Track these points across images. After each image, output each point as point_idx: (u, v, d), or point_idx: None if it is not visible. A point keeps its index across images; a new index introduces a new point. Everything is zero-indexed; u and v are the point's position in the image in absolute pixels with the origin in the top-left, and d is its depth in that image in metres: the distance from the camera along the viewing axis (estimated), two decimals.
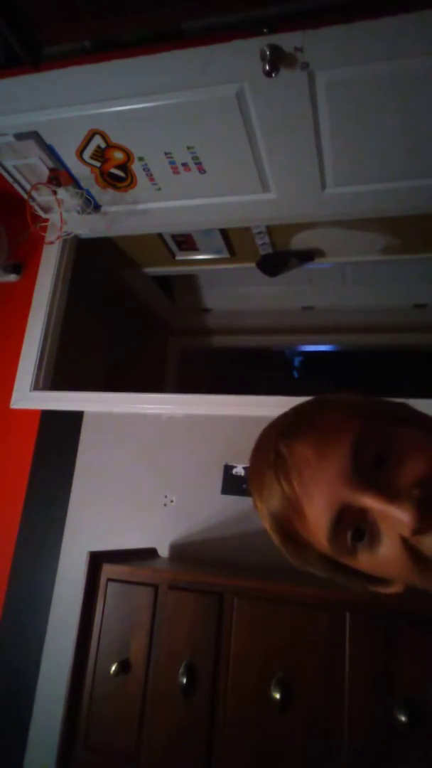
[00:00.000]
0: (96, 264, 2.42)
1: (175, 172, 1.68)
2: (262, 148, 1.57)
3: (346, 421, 0.56)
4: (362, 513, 0.52)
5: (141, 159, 1.66)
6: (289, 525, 0.56)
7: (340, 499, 0.52)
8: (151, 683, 1.16)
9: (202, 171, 1.67)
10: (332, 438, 0.54)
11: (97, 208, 1.92)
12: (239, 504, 1.61)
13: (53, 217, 1.92)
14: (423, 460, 0.53)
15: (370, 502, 0.51)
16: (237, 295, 3.12)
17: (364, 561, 0.54)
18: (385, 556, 0.53)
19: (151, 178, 1.73)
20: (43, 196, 1.86)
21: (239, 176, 1.68)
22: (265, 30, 1.26)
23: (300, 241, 2.36)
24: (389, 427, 0.56)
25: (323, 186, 1.68)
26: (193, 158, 1.62)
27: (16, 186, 1.86)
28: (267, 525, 0.58)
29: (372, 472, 0.52)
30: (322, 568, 0.58)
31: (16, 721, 1.63)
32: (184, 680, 1.10)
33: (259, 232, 2.28)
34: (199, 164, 1.64)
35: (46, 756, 1.52)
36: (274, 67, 1.26)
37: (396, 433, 0.55)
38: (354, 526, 0.53)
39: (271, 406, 1.76)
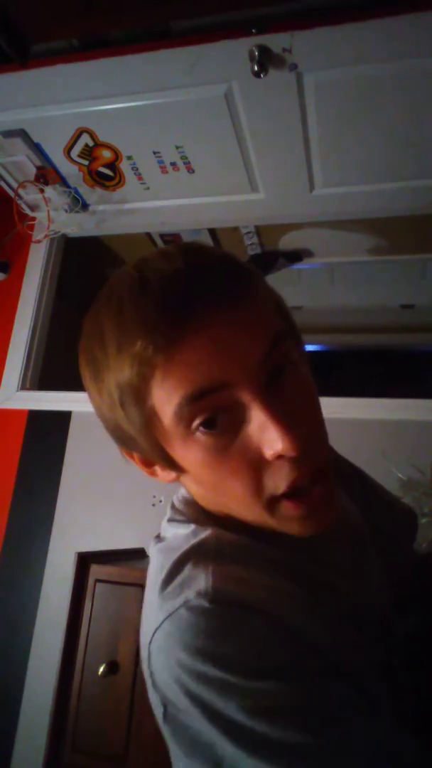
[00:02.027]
0: (84, 263, 2.41)
1: (164, 171, 1.68)
2: (250, 149, 1.57)
3: (271, 312, 0.51)
4: (229, 405, 0.47)
5: (129, 158, 1.66)
6: (141, 387, 0.47)
7: (224, 379, 0.46)
8: (139, 684, 1.15)
9: (190, 170, 1.66)
10: (255, 318, 0.48)
11: (85, 206, 1.91)
12: None
13: (41, 216, 1.91)
14: (312, 402, 0.52)
15: (257, 407, 0.46)
16: None
17: (193, 450, 0.48)
18: (227, 459, 0.48)
19: (139, 177, 1.73)
20: (31, 195, 1.85)
21: (228, 176, 1.68)
22: (253, 30, 1.26)
23: (288, 242, 2.37)
24: (294, 344, 0.53)
25: (311, 187, 1.69)
26: (181, 158, 1.62)
27: (2, 184, 1.85)
28: (110, 398, 0.50)
29: (270, 378, 0.48)
30: (139, 430, 0.50)
31: (3, 723, 1.61)
32: None
33: (248, 233, 2.29)
34: (187, 164, 1.64)
35: (33, 758, 1.51)
36: (263, 68, 1.26)
37: (295, 357, 0.51)
38: (210, 412, 0.46)
39: None
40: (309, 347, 3.35)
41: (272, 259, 2.44)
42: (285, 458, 0.47)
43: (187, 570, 0.50)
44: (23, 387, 1.95)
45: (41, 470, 1.85)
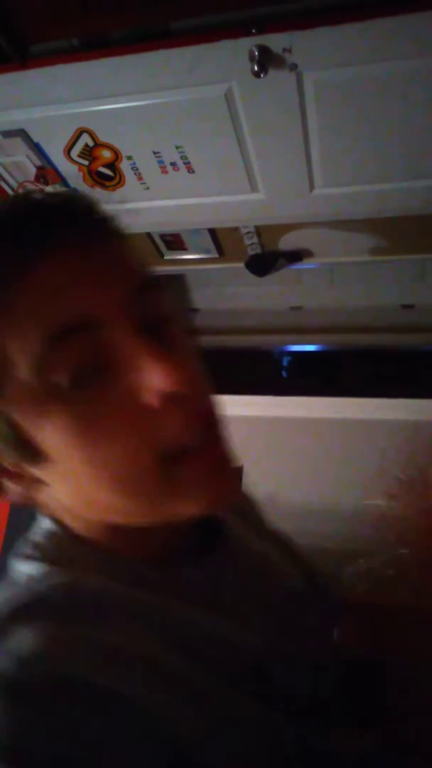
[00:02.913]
0: None
1: (164, 171, 1.68)
2: (250, 149, 1.57)
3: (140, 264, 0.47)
4: (99, 351, 0.38)
5: (129, 158, 1.66)
6: None
7: (91, 312, 0.37)
8: None
9: (190, 171, 1.66)
10: (122, 254, 0.46)
11: None
12: None
13: None
14: (197, 363, 0.47)
15: (132, 344, 0.39)
16: (225, 295, 3.11)
17: (57, 418, 0.38)
18: (101, 421, 0.38)
19: (139, 177, 1.73)
20: None
21: (228, 176, 1.68)
22: (253, 30, 1.26)
23: (289, 242, 2.36)
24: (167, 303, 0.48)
25: (311, 187, 1.69)
26: (181, 158, 1.62)
27: (2, 184, 1.85)
28: None
29: (146, 324, 0.42)
30: None
31: None
32: None
33: (248, 232, 2.28)
34: (187, 164, 1.64)
35: None
36: (263, 68, 1.26)
37: (172, 317, 0.47)
38: (76, 361, 0.37)
39: (260, 406, 1.76)
40: (309, 347, 3.35)
41: (272, 259, 2.44)
42: (171, 404, 0.39)
43: (13, 627, 0.39)
44: None
45: None
